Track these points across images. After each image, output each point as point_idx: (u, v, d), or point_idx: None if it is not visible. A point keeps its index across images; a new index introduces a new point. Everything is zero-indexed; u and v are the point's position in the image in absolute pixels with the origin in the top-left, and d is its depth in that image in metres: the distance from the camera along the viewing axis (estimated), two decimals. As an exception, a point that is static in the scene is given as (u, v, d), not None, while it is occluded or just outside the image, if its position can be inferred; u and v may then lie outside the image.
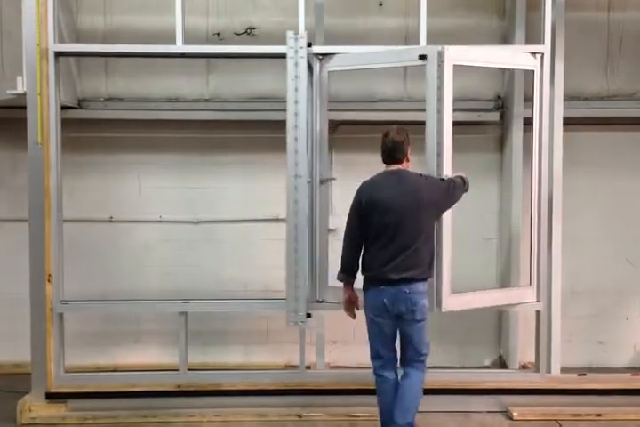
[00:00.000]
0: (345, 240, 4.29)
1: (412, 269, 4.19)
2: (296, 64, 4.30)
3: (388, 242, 4.18)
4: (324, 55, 5.00)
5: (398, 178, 4.27)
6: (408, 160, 4.36)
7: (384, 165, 4.36)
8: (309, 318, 4.41)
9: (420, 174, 4.40)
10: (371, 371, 4.45)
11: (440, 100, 4.51)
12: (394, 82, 6.01)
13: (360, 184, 4.37)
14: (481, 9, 6.02)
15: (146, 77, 5.97)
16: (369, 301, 4.29)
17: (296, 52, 4.30)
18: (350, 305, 4.47)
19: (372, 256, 4.24)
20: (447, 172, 4.65)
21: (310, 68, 4.94)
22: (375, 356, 4.37)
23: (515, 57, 5.04)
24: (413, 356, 4.37)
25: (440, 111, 4.53)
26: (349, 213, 4.30)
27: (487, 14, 6.03)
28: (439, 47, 4.54)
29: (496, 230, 6.17)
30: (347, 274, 4.34)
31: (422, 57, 4.63)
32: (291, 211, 4.28)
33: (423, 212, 4.23)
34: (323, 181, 5.10)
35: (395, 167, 4.32)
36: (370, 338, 4.36)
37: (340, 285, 4.47)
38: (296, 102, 4.29)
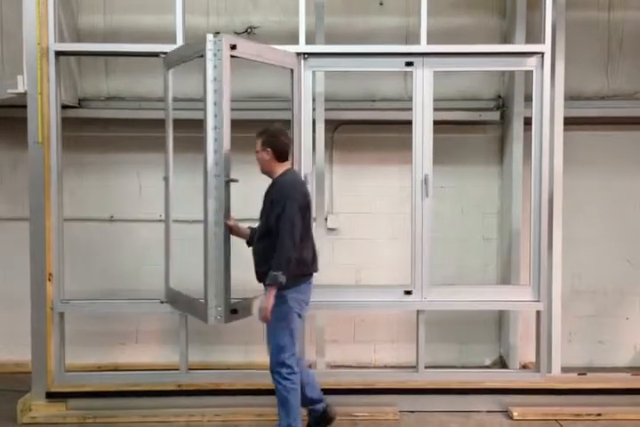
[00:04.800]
0: (293, 240, 4.15)
1: None
2: (215, 66, 4.35)
3: (310, 237, 4.44)
4: (309, 54, 5.07)
5: (300, 176, 4.51)
6: None
7: (280, 162, 4.40)
8: (234, 315, 4.45)
9: None
10: (373, 370, 4.44)
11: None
12: (394, 81, 6.00)
13: (289, 183, 4.32)
14: (482, 8, 6.02)
15: (146, 77, 5.97)
16: (300, 296, 4.33)
17: (214, 54, 4.35)
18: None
19: (307, 252, 4.35)
20: (428, 169, 4.95)
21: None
22: (293, 353, 4.32)
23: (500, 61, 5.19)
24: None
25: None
26: (294, 213, 4.18)
27: (488, 13, 6.03)
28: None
29: (496, 230, 6.17)
30: (287, 275, 4.17)
31: (409, 64, 5.04)
32: (210, 209, 4.38)
33: None
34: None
35: (289, 165, 4.47)
36: (291, 336, 4.29)
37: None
38: (215, 104, 4.36)
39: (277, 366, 4.29)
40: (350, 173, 6.12)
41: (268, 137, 4.38)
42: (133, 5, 5.94)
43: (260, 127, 4.47)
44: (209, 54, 4.35)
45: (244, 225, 4.59)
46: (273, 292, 4.18)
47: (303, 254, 4.30)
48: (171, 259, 5.16)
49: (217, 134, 4.37)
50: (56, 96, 4.98)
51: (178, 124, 5.18)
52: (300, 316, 4.37)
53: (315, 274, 4.51)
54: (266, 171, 4.45)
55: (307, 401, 4.55)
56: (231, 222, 4.47)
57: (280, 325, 4.28)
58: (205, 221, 4.43)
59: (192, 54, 4.65)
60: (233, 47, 4.40)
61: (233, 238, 4.52)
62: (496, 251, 6.18)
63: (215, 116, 4.36)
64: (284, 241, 4.14)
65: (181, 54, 4.82)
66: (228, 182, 4.45)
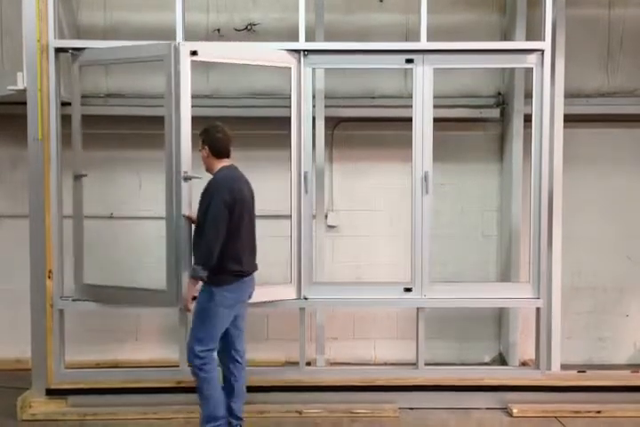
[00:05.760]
0: (215, 235, 4.19)
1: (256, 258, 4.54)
2: (177, 72, 4.56)
3: (247, 235, 4.40)
4: (309, 51, 5.06)
5: (240, 173, 4.46)
6: None
7: (217, 159, 4.42)
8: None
9: None
10: (373, 367, 4.44)
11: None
12: (393, 78, 6.00)
13: (218, 179, 4.36)
14: (482, 5, 6.01)
15: (146, 74, 5.95)
16: (229, 295, 4.31)
17: (176, 61, 4.57)
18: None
19: (238, 250, 4.31)
20: (428, 167, 5.00)
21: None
22: (212, 347, 4.34)
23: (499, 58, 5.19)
24: (243, 346, 4.59)
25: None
26: (217, 208, 4.20)
27: (488, 11, 6.02)
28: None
29: (496, 228, 6.17)
30: (208, 270, 4.23)
31: (409, 61, 5.05)
32: (174, 205, 4.66)
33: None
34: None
35: (229, 162, 4.46)
36: (212, 331, 4.30)
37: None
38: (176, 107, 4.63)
39: (191, 356, 4.33)
40: (350, 171, 6.12)
41: (205, 135, 4.45)
42: (133, 2, 5.94)
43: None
44: (172, 61, 4.60)
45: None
46: (193, 284, 4.29)
47: (234, 251, 4.29)
48: (84, 255, 5.20)
49: (177, 133, 4.62)
50: (56, 93, 4.98)
51: (156, 120, 5.21)
52: (224, 312, 4.31)
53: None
54: (207, 168, 4.51)
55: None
56: (194, 216, 4.58)
57: (201, 316, 4.30)
58: (168, 215, 4.68)
59: (143, 57, 4.86)
60: (194, 53, 4.64)
61: None
62: (496, 248, 6.18)
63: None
64: (206, 236, 4.21)
65: (133, 55, 4.90)
66: (186, 178, 4.65)
